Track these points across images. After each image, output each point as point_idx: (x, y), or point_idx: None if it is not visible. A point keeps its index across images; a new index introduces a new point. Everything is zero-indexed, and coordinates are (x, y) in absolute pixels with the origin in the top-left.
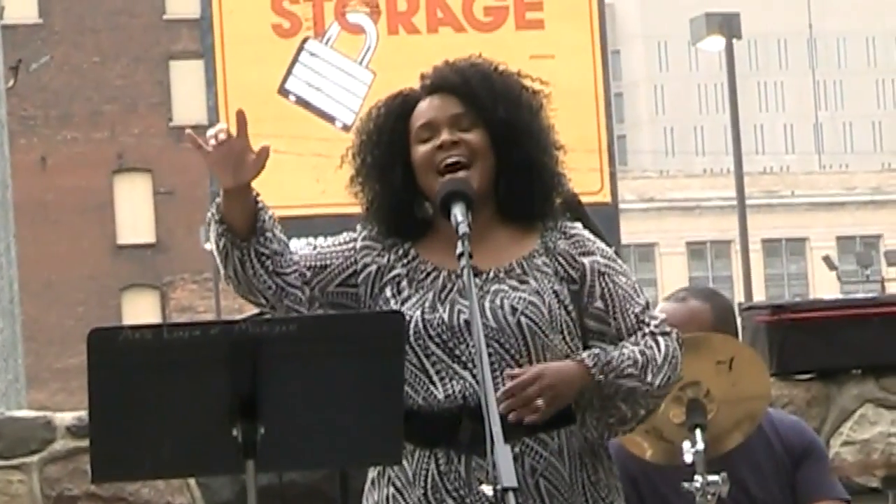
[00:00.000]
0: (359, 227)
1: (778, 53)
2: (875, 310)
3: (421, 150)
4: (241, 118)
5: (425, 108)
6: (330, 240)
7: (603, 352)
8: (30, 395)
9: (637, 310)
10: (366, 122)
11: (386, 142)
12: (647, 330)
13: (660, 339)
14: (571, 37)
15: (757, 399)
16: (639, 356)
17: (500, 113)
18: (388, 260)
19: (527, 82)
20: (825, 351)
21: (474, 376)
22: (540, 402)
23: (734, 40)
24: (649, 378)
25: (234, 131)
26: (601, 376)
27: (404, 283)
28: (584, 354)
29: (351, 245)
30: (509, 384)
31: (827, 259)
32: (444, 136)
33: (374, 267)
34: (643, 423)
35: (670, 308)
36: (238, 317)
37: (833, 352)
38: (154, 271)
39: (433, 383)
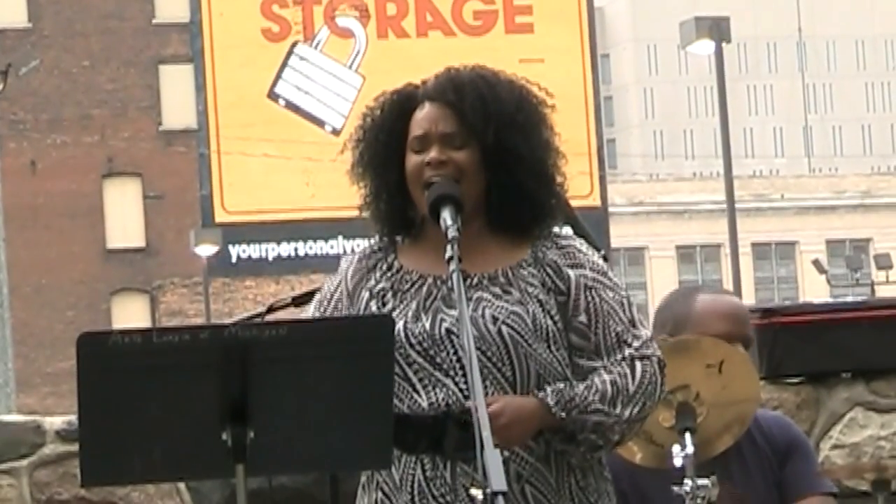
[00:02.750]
0: (343, 265)
1: (767, 57)
2: (865, 313)
3: (413, 160)
4: None
5: (421, 119)
6: (323, 297)
7: (568, 387)
8: (19, 399)
9: (619, 328)
10: (371, 112)
11: (384, 141)
12: (626, 352)
13: (637, 364)
14: (561, 40)
15: (747, 402)
16: (608, 387)
17: (489, 138)
18: (375, 279)
19: (533, 92)
20: (815, 354)
21: (456, 384)
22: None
23: (724, 44)
24: (618, 410)
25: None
26: (563, 413)
27: (388, 295)
28: (548, 391)
29: (341, 291)
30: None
31: (816, 263)
32: (433, 153)
33: (366, 294)
34: None
35: (736, 301)
36: (228, 321)
37: (823, 355)
38: (144, 275)
39: (416, 392)
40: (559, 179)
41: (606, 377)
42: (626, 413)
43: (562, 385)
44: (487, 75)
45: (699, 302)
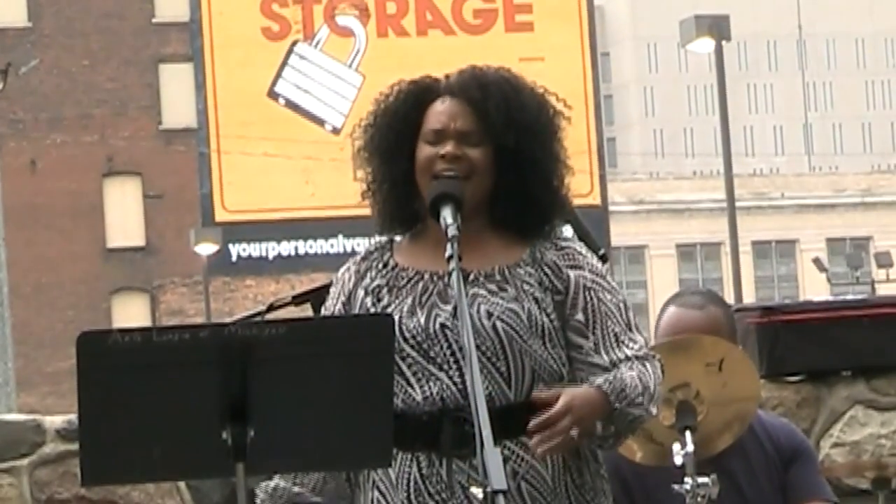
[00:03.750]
0: (341, 274)
1: (767, 55)
2: (865, 311)
3: (426, 151)
4: None
5: (439, 112)
6: (327, 308)
7: (616, 378)
8: (20, 399)
9: (617, 329)
10: (384, 99)
11: (397, 129)
12: (627, 353)
13: (647, 363)
14: (561, 39)
15: (747, 401)
16: (638, 383)
17: (509, 142)
18: (370, 277)
19: (550, 100)
20: (815, 352)
21: (450, 377)
22: (574, 432)
23: (724, 42)
24: (648, 405)
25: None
26: (618, 404)
27: (384, 291)
28: (600, 381)
29: (342, 301)
30: (540, 418)
31: (817, 261)
32: (449, 148)
33: (362, 292)
34: None
35: (694, 316)
36: (228, 320)
37: (823, 353)
38: (144, 274)
39: (410, 385)
40: (564, 191)
41: (633, 373)
42: (652, 409)
43: (610, 376)
44: (512, 79)
45: (665, 314)
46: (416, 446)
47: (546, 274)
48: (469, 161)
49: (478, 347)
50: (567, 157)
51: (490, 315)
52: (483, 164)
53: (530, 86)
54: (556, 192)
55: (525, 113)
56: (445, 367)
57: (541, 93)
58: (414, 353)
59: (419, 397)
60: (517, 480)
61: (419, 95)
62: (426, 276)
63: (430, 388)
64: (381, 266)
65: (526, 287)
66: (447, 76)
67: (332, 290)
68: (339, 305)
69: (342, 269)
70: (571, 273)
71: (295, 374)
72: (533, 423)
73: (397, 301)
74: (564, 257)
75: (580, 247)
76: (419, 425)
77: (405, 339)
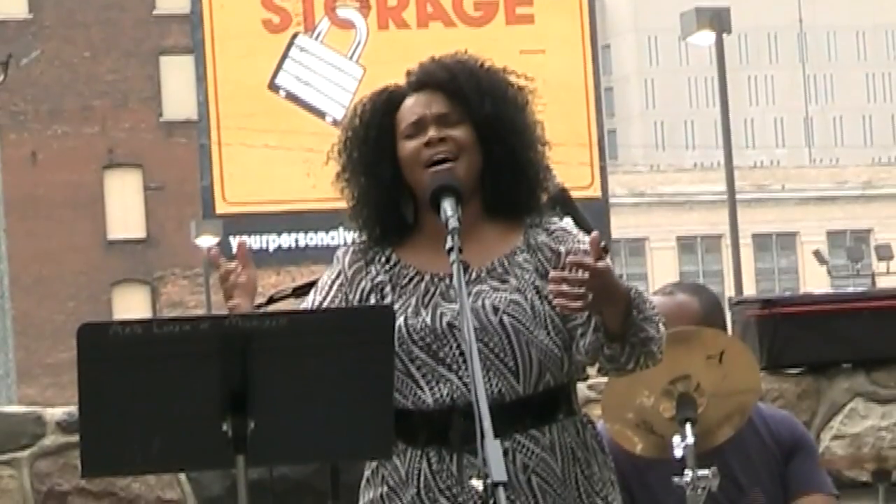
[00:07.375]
0: (340, 254)
1: (768, 47)
2: (865, 304)
3: (408, 146)
4: (241, 249)
5: (412, 105)
6: (323, 284)
7: (639, 293)
8: (20, 390)
9: None
10: (352, 118)
11: (373, 138)
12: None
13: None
14: (561, 31)
15: (747, 393)
16: (654, 313)
17: (486, 109)
18: (374, 271)
19: (512, 78)
20: (816, 345)
21: (460, 378)
22: (589, 295)
23: (724, 34)
24: (659, 338)
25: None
26: (635, 311)
27: (387, 289)
28: (629, 286)
29: (341, 280)
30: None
31: (817, 253)
32: (431, 133)
33: (368, 285)
34: (633, 416)
35: (658, 301)
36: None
37: (823, 346)
38: (145, 266)
39: (420, 388)
40: (546, 161)
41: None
42: (658, 354)
43: (633, 290)
44: (471, 58)
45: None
46: (425, 442)
47: (540, 260)
48: (454, 140)
49: (486, 344)
50: (542, 129)
51: (496, 310)
52: (468, 141)
53: (490, 63)
54: (540, 160)
55: (494, 83)
56: (455, 367)
57: (503, 68)
58: (423, 355)
59: (429, 399)
60: (527, 474)
61: (387, 104)
62: (426, 278)
63: (440, 389)
64: (383, 260)
65: (526, 276)
66: (407, 73)
67: (329, 269)
68: (338, 283)
69: (341, 251)
70: (562, 248)
71: (295, 366)
72: (570, 259)
73: (401, 300)
74: (556, 240)
75: (570, 228)
76: (428, 421)
77: (413, 341)
